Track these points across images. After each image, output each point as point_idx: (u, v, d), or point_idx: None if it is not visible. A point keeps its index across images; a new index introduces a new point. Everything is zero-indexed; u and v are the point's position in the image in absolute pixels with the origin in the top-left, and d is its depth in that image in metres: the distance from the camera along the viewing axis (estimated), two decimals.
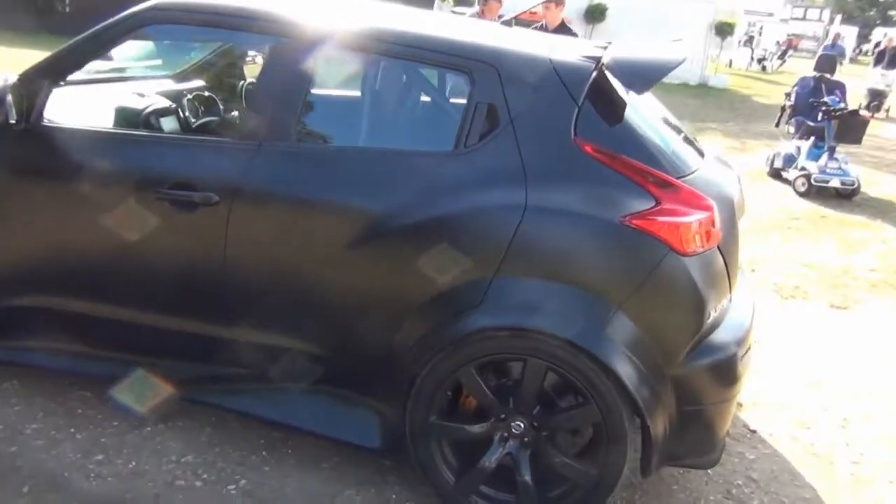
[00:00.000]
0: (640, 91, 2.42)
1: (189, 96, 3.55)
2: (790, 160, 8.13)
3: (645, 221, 2.26)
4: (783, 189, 7.90)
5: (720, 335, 2.44)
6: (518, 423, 2.42)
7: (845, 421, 3.37)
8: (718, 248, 2.40)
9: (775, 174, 8.34)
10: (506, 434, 2.44)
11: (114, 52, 3.60)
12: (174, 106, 3.41)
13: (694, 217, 2.29)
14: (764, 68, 27.19)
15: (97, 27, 2.71)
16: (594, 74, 2.41)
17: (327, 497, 2.58)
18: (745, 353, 2.50)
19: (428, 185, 2.41)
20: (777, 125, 9.12)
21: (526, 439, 2.43)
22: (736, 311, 2.59)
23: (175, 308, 2.65)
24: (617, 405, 2.28)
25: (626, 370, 2.25)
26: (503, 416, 2.43)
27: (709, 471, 2.89)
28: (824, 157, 7.67)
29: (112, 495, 2.49)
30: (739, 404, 3.45)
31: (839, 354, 4.08)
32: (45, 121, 2.70)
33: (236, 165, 2.51)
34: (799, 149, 8.15)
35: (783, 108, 8.88)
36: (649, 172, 2.32)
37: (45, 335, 2.78)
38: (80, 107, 3.09)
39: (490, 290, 2.32)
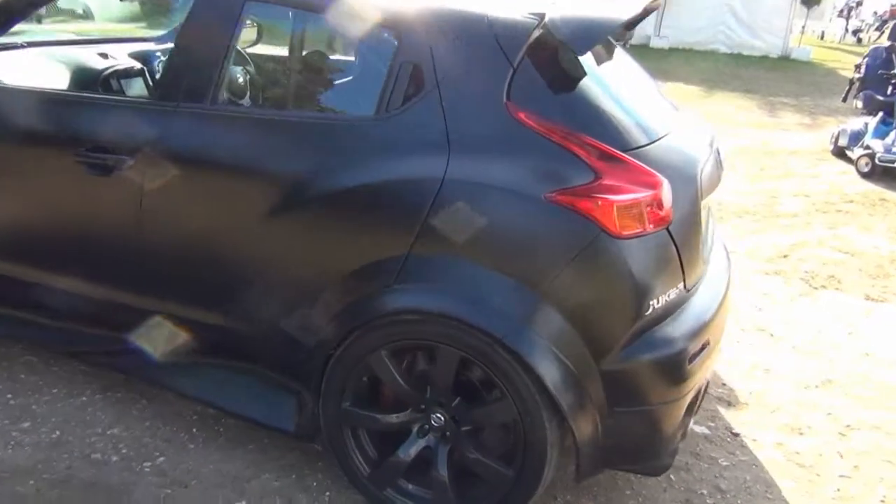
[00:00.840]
0: (582, 51, 2.14)
1: (162, 58, 3.44)
2: (856, 138, 7.48)
3: (573, 198, 2.00)
4: (845, 169, 7.29)
5: (667, 328, 2.15)
6: (438, 415, 2.23)
7: (847, 429, 3.00)
8: (668, 230, 2.11)
9: (839, 153, 7.70)
10: (426, 426, 2.26)
11: (95, 13, 3.54)
12: (140, 67, 3.31)
13: (633, 195, 2.01)
14: (859, 40, 25.33)
15: None
16: (536, 33, 2.15)
17: (243, 480, 2.45)
18: (701, 349, 2.21)
19: (345, 152, 2.20)
20: (844, 100, 8.42)
21: (447, 433, 2.24)
22: (696, 302, 2.29)
23: (94, 275, 2.56)
24: (535, 402, 2.05)
25: (545, 363, 2.01)
26: (422, 406, 2.24)
27: (671, 476, 2.62)
28: (892, 134, 7.01)
29: (22, 465, 2.43)
30: (729, 403, 3.15)
31: (861, 353, 3.65)
32: None
33: (154, 128, 2.38)
34: (866, 125, 7.49)
35: (851, 82, 8.19)
36: (589, 143, 2.05)
37: None
38: (36, 67, 3.02)
39: (403, 269, 2.12)
